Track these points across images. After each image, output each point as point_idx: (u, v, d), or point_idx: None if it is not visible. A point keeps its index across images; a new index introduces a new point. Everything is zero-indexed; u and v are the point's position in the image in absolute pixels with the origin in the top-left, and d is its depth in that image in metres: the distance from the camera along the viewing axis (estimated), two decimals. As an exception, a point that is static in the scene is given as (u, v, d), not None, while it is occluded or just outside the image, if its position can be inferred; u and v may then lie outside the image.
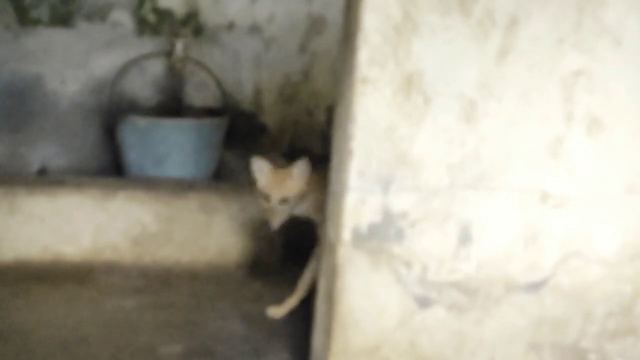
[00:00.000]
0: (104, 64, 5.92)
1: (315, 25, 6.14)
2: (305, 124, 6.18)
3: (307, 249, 3.93)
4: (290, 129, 6.25)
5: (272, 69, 6.22)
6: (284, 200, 3.63)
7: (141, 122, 5.55)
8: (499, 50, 2.68)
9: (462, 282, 2.86)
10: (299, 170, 3.63)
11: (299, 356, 3.55)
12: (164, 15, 6.01)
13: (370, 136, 2.69)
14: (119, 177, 5.62)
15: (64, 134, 5.95)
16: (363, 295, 2.82)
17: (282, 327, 3.77)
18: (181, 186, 4.92)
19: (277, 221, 3.66)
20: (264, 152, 4.03)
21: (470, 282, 2.86)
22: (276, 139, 6.28)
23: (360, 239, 2.77)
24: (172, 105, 6.12)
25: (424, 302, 2.86)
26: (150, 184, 4.93)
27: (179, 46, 5.96)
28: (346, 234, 2.77)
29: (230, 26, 6.11)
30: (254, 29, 6.16)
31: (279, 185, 3.64)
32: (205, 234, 4.72)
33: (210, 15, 6.06)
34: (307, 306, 3.62)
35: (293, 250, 4.37)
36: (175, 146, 5.55)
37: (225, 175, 5.86)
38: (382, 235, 2.78)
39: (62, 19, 5.82)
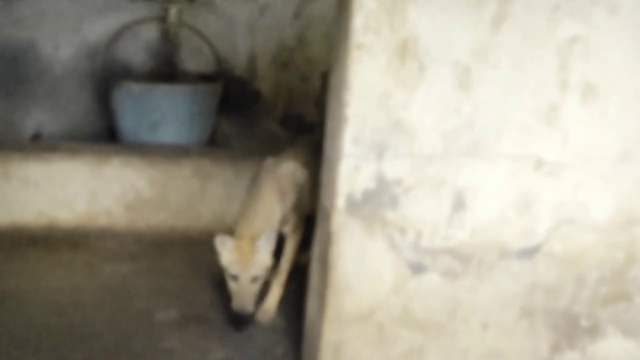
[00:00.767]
0: (98, 29, 5.88)
1: (310, -10, 6.10)
2: (300, 90, 6.15)
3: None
4: (284, 95, 6.23)
5: (266, 35, 6.18)
6: (254, 279, 3.45)
7: (135, 87, 5.52)
8: (494, 18, 2.67)
9: (456, 248, 2.87)
10: (265, 244, 3.43)
11: (293, 322, 3.58)
12: (157, -20, 5.97)
13: (364, 103, 2.68)
14: (113, 143, 5.61)
15: (58, 99, 5.92)
16: (357, 261, 2.83)
17: (281, 298, 3.78)
18: (175, 152, 4.92)
19: (249, 303, 3.44)
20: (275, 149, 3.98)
21: (464, 249, 2.87)
22: (270, 105, 6.26)
23: (355, 205, 2.78)
24: (166, 71, 6.09)
25: (417, 268, 2.87)
26: (145, 150, 4.93)
27: (173, 11, 5.92)
28: (340, 201, 2.77)
29: (225, -9, 6.08)
30: (249, -5, 6.13)
31: (247, 261, 3.42)
32: (200, 200, 4.74)
33: (204, -21, 6.02)
34: (301, 273, 3.64)
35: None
36: (170, 112, 5.53)
37: (220, 142, 5.86)
38: (376, 202, 2.78)
39: (55, -16, 5.78)
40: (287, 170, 3.64)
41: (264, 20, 6.13)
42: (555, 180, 2.84)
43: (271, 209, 3.56)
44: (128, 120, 5.57)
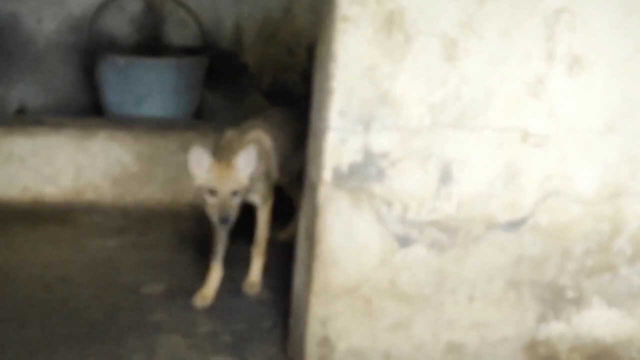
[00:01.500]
0: (82, 1, 5.84)
1: (296, -39, 6.06)
2: (286, 63, 6.12)
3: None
4: (270, 68, 6.20)
5: (252, 7, 6.14)
6: (234, 193, 3.35)
7: (120, 61, 5.49)
8: (481, -12, 2.66)
9: (443, 221, 2.87)
10: (245, 160, 3.34)
11: (280, 295, 3.58)
12: (142, -50, 5.91)
13: (351, 75, 2.67)
14: (98, 117, 5.57)
15: (42, 73, 5.88)
16: (344, 234, 2.83)
17: (263, 267, 3.78)
18: (162, 126, 4.90)
19: (233, 212, 3.32)
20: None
21: (451, 221, 2.87)
22: (257, 78, 6.23)
23: (341, 178, 2.77)
24: (151, 44, 6.05)
25: (404, 241, 2.87)
26: (131, 123, 4.91)
27: (158, -17, 5.88)
28: (327, 174, 2.76)
29: (210, -39, 6.03)
30: (234, -35, 6.09)
31: (225, 177, 3.32)
32: (187, 174, 4.70)
33: (189, -50, 5.95)
34: (288, 246, 3.64)
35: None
36: (155, 85, 5.50)
37: (206, 115, 5.84)
38: (363, 174, 2.77)
39: (37, -46, 5.72)
40: (254, 137, 3.58)
41: (249, -8, 6.10)
42: (541, 152, 2.84)
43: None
44: (113, 94, 5.54)
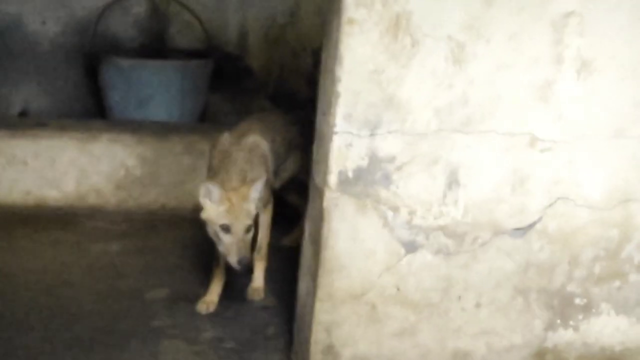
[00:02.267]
0: (86, 3, 5.81)
1: (302, -36, 6.03)
2: (291, 66, 6.10)
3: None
4: (275, 71, 6.18)
5: (257, 11, 6.12)
6: (248, 228, 3.26)
7: (124, 63, 5.46)
8: (488, -9, 2.63)
9: (449, 226, 2.84)
10: (255, 192, 3.27)
11: (285, 301, 3.55)
12: (147, -47, 5.90)
13: (357, 79, 2.64)
14: (102, 120, 5.55)
15: (46, 75, 5.86)
16: (349, 239, 2.80)
17: (268, 273, 3.76)
18: (166, 129, 4.87)
19: (248, 252, 3.22)
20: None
21: (458, 227, 2.84)
22: (261, 82, 6.21)
23: (347, 183, 2.74)
24: (155, 46, 6.03)
25: (410, 247, 2.84)
26: (135, 126, 4.88)
27: (162, -14, 5.86)
28: (332, 179, 2.74)
29: (215, -35, 6.01)
30: (240, -32, 6.06)
31: (239, 210, 3.21)
32: (191, 177, 4.69)
33: (195, -47, 5.94)
34: (292, 252, 3.61)
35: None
36: (159, 88, 5.48)
37: (211, 118, 5.82)
38: (368, 179, 2.75)
39: (42, -44, 5.70)
40: (252, 143, 3.54)
41: (255, -4, 6.08)
42: (549, 157, 2.81)
43: (245, 171, 3.40)
44: (117, 97, 5.52)
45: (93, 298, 3.59)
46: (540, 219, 2.87)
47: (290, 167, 3.82)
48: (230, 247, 3.20)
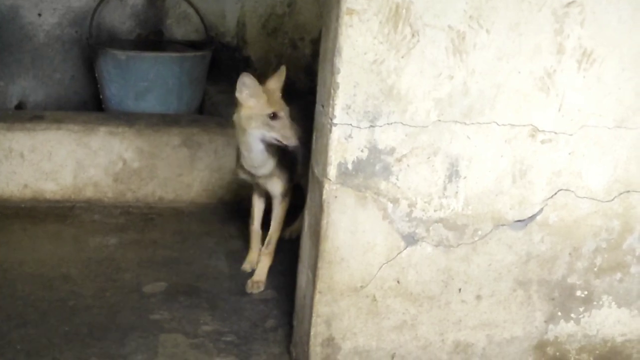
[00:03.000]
0: (83, -5, 5.78)
1: (301, -46, 6.00)
2: (290, 57, 6.06)
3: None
4: (274, 62, 6.15)
5: (255, 1, 6.09)
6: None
7: (121, 55, 5.42)
8: (489, -20, 2.60)
9: (450, 218, 2.82)
10: (279, 76, 3.50)
11: (284, 293, 3.54)
12: (144, -57, 5.86)
13: (356, 69, 2.61)
14: (99, 112, 5.52)
15: (42, 67, 5.82)
16: (349, 232, 2.78)
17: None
18: (164, 121, 4.84)
19: (296, 135, 3.35)
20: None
21: (458, 219, 2.83)
22: (260, 73, 6.18)
23: (346, 175, 2.72)
24: (152, 38, 5.99)
25: (410, 239, 2.82)
26: (132, 119, 4.85)
27: (159, -24, 5.83)
28: (332, 170, 2.72)
29: (213, -46, 5.97)
30: (237, -43, 6.03)
31: (279, 98, 3.41)
32: (189, 170, 4.67)
33: (191, -58, 5.90)
34: (292, 244, 3.59)
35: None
36: (157, 80, 5.44)
37: (209, 110, 5.78)
38: (368, 171, 2.73)
39: (38, -53, 5.66)
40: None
41: (253, -15, 6.04)
42: (550, 148, 2.79)
43: None
44: (114, 89, 5.48)
45: (91, 291, 3.57)
46: (541, 211, 2.86)
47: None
48: (284, 129, 3.33)
